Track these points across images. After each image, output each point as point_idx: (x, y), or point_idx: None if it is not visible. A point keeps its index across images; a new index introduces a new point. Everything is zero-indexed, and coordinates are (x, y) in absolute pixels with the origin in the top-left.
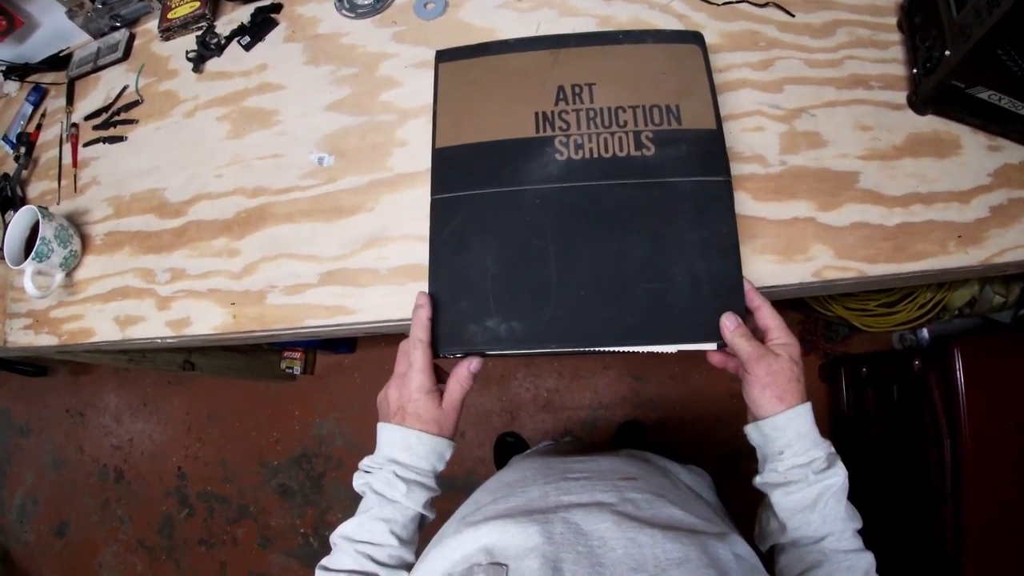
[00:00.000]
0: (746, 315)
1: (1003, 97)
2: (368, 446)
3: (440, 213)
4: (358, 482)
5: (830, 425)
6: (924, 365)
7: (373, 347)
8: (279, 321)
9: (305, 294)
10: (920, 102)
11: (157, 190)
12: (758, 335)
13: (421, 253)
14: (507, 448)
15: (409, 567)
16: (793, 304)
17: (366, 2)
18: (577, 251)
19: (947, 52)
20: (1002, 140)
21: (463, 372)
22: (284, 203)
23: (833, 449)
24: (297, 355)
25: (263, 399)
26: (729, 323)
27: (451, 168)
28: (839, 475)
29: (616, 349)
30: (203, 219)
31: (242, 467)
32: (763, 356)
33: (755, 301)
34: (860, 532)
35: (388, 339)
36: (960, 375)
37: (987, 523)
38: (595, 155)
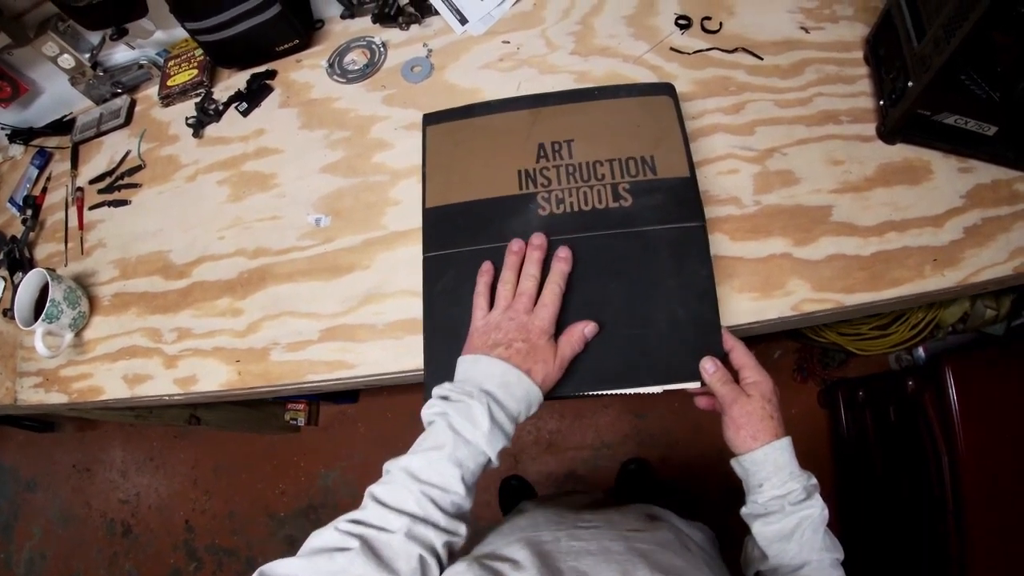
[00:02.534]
0: (724, 356)
1: (969, 121)
2: None
3: (432, 270)
4: (431, 411)
5: (832, 449)
6: (918, 385)
7: (375, 397)
8: (283, 377)
9: (307, 350)
10: (889, 132)
11: (162, 252)
12: (734, 373)
13: (416, 307)
14: (512, 492)
15: (466, 518)
16: (788, 333)
17: (356, 68)
18: (563, 302)
19: (910, 83)
20: (972, 161)
21: (577, 333)
22: (284, 263)
23: (814, 482)
24: (301, 407)
25: (268, 451)
26: (709, 367)
27: (441, 226)
28: (816, 507)
29: (604, 392)
30: (207, 280)
31: (249, 519)
32: (736, 399)
33: (728, 343)
34: (843, 563)
35: (390, 390)
36: (952, 392)
37: (990, 535)
38: (575, 208)
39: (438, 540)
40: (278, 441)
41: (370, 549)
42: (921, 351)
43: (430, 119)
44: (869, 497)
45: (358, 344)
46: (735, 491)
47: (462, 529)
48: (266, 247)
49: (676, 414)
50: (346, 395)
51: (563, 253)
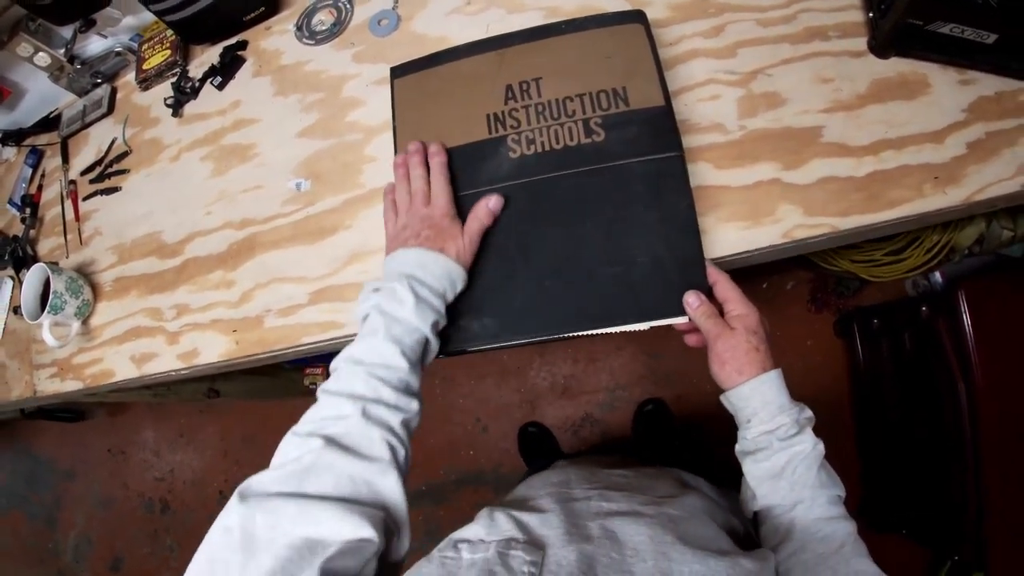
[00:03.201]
0: (708, 289)
1: (966, 29)
2: None
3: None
4: (364, 305)
5: (850, 380)
6: (932, 311)
7: None
8: (278, 342)
9: (298, 314)
10: (880, 46)
11: (154, 233)
12: (719, 307)
13: None
14: (530, 438)
15: (416, 395)
16: (800, 263)
17: (324, 28)
18: (538, 243)
19: None
20: (973, 73)
21: (481, 207)
22: (269, 231)
23: (808, 414)
24: (319, 371)
25: (291, 416)
26: (692, 301)
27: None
28: (807, 442)
29: (589, 333)
30: (199, 255)
31: None
32: (720, 334)
33: (712, 275)
34: (843, 500)
35: None
36: (967, 318)
37: (1007, 466)
38: (547, 148)
39: (394, 419)
40: (300, 405)
41: (333, 443)
42: (938, 275)
43: (397, 72)
44: (887, 429)
45: (348, 303)
46: None
47: (414, 405)
48: (252, 217)
49: (690, 351)
50: None
51: (434, 148)
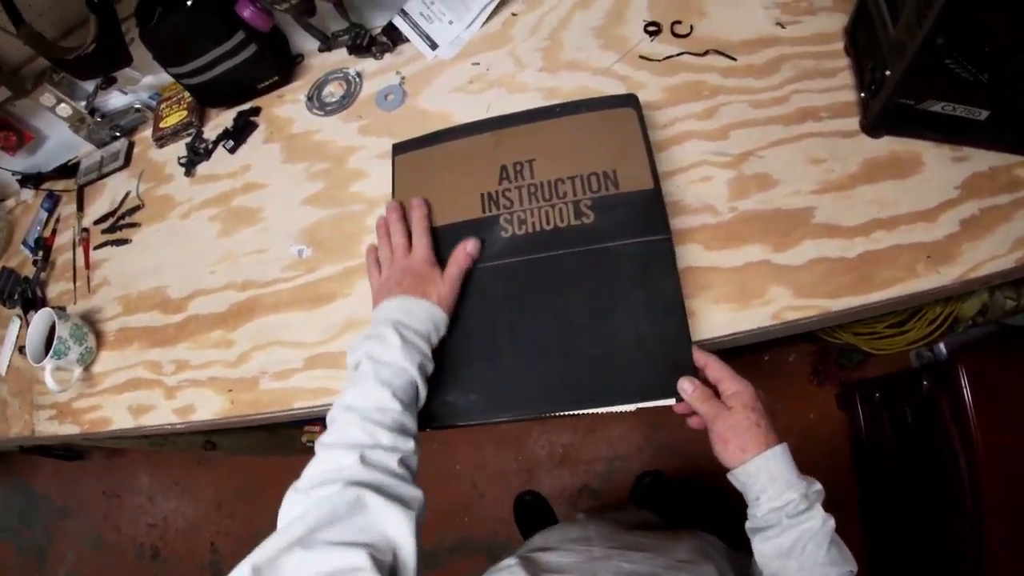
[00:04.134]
0: (694, 371)
1: (957, 107)
2: None
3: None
4: (355, 354)
5: (852, 452)
6: (932, 384)
7: None
8: (271, 404)
9: (293, 378)
10: (872, 125)
11: (160, 288)
12: (713, 388)
13: None
14: (526, 507)
15: (412, 435)
16: (802, 336)
17: (333, 99)
18: (526, 322)
19: (888, 71)
20: (967, 149)
21: (459, 251)
22: (270, 294)
23: (816, 488)
24: (316, 429)
25: (288, 473)
26: (687, 387)
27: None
28: (816, 518)
29: (574, 413)
30: (201, 313)
31: None
32: (718, 415)
33: (700, 359)
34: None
35: None
36: (967, 392)
37: (1007, 539)
38: (538, 228)
39: (391, 460)
40: (297, 463)
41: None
42: (942, 346)
43: (398, 148)
44: (889, 500)
45: (341, 371)
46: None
47: (410, 444)
48: (254, 279)
49: (686, 425)
50: None
51: (414, 202)
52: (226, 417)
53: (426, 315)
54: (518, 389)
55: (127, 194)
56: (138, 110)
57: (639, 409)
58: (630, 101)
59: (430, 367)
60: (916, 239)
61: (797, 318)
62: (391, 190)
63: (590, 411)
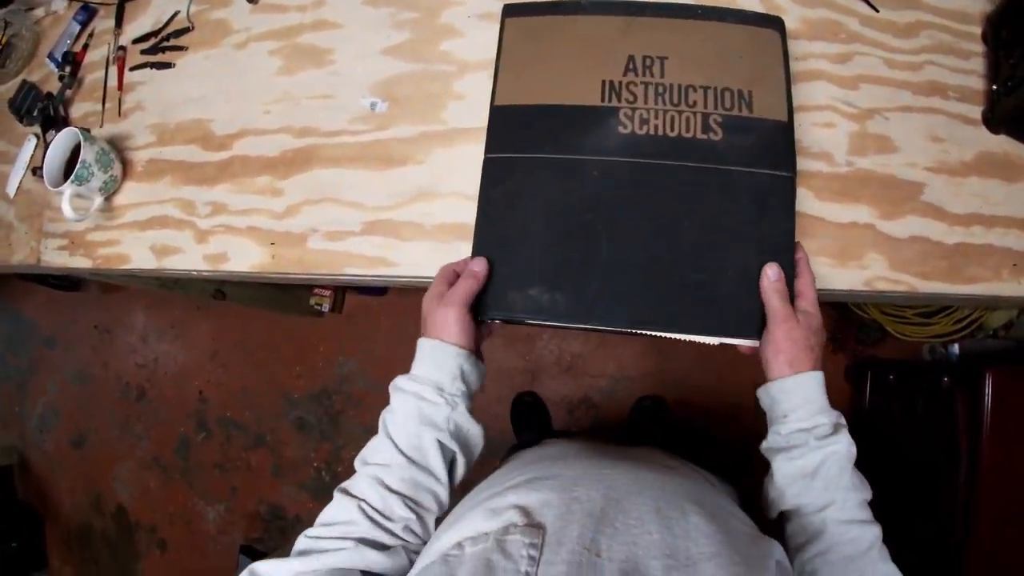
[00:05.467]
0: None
1: None
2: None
3: (492, 173)
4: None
5: (848, 426)
6: (953, 383)
7: (403, 293)
8: (319, 266)
9: (347, 241)
10: (996, 121)
11: (203, 121)
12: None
13: (468, 212)
14: (524, 407)
15: (423, 486)
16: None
17: None
18: (629, 230)
19: None
20: None
21: (463, 268)
22: (332, 146)
23: (843, 420)
24: (327, 293)
25: (290, 333)
26: (772, 274)
27: (509, 128)
28: (843, 442)
29: (656, 334)
30: (248, 155)
31: (263, 397)
32: (786, 319)
33: (800, 267)
34: (870, 504)
35: (421, 290)
36: (988, 400)
37: (995, 551)
38: (660, 132)
39: (403, 511)
40: (300, 324)
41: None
42: (956, 348)
43: (511, 10)
44: (880, 484)
45: (402, 242)
46: (755, 445)
47: (429, 500)
48: (314, 127)
49: (702, 360)
50: (374, 288)
51: (478, 266)
52: (264, 271)
53: (446, 359)
54: (608, 300)
55: (175, 14)
56: None
57: (721, 344)
58: (777, 24)
59: (464, 405)
60: (1008, 244)
61: (886, 289)
62: (496, 55)
63: (674, 336)
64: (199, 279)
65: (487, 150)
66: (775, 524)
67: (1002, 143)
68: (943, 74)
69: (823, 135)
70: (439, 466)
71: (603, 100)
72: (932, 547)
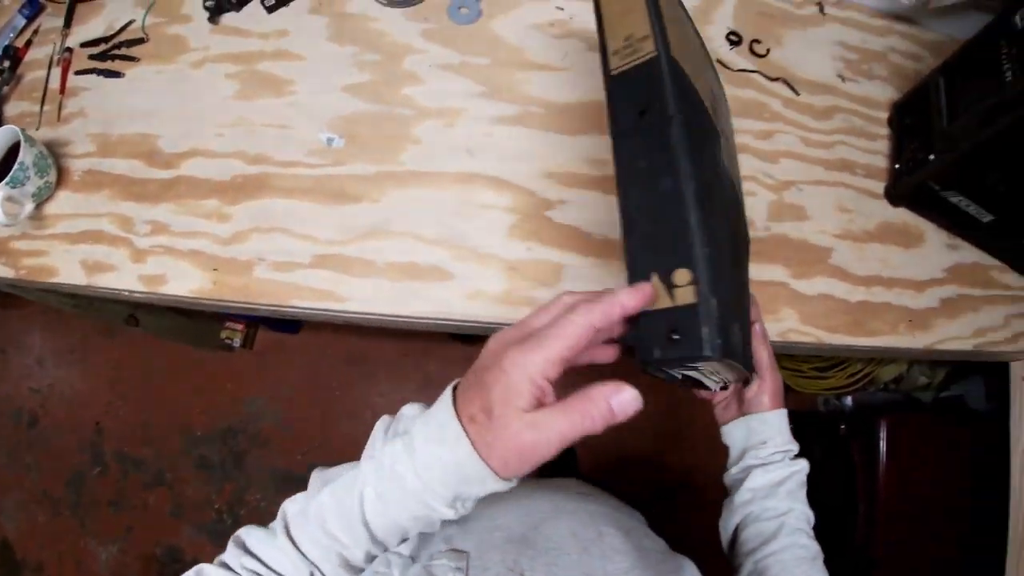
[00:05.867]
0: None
1: (971, 204)
2: (299, 430)
3: (689, 141)
4: (376, 449)
5: None
6: (849, 431)
7: (317, 332)
8: (263, 296)
9: (295, 273)
10: (896, 196)
11: (150, 136)
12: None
13: (419, 253)
14: None
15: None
16: None
17: None
18: (737, 264)
19: (931, 156)
20: (960, 241)
21: (600, 406)
22: (286, 176)
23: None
24: (239, 327)
25: (196, 367)
26: (761, 334)
27: (688, 97)
28: (805, 465)
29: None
30: (196, 176)
31: (164, 432)
32: (773, 364)
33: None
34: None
35: (334, 327)
36: (883, 445)
37: None
38: (732, 179)
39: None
40: (208, 359)
41: None
42: (849, 400)
43: None
44: None
45: (352, 278)
46: (667, 491)
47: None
48: (268, 155)
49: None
50: (288, 325)
51: (632, 300)
52: (204, 297)
53: (480, 483)
54: (736, 332)
55: (130, 22)
56: None
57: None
58: None
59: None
60: (904, 303)
61: (798, 340)
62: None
63: (713, 383)
64: (125, 300)
65: (678, 107)
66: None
67: (901, 215)
68: (853, 153)
69: (747, 203)
70: (406, 547)
71: (712, 118)
72: None
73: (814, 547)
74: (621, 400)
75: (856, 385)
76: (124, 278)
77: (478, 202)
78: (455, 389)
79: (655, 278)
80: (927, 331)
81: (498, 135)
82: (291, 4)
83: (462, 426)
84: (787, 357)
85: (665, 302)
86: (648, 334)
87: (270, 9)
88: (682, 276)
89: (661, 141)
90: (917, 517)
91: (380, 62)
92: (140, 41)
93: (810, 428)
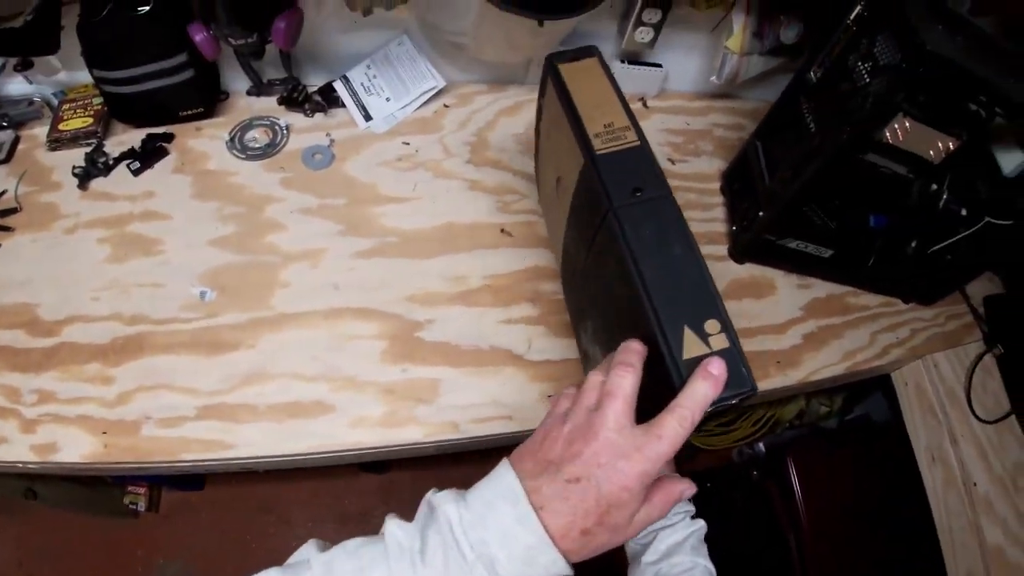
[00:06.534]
0: None
1: (808, 245)
2: None
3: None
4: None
5: None
6: (762, 475)
7: (222, 485)
8: (153, 453)
9: (182, 427)
10: (739, 253)
11: (28, 305)
12: None
13: (300, 390)
14: None
15: None
16: None
17: (257, 145)
18: None
19: (761, 212)
20: (810, 279)
21: (675, 496)
22: (163, 333)
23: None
24: (141, 490)
25: (103, 536)
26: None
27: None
28: (702, 523)
29: None
30: (77, 341)
31: None
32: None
33: None
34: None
35: (238, 478)
36: (795, 480)
37: None
38: None
39: None
40: (114, 526)
41: None
42: (761, 445)
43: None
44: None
45: (237, 425)
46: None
47: None
48: (145, 315)
49: None
50: (191, 482)
51: (719, 370)
52: (97, 462)
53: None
54: None
55: (2, 192)
56: (33, 103)
57: None
58: None
59: None
60: (769, 347)
61: None
62: (619, 97)
63: None
64: (22, 473)
65: (665, 187)
66: None
67: (748, 270)
68: (692, 225)
69: None
70: None
71: None
72: None
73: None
74: (686, 492)
75: (763, 430)
76: (15, 449)
77: (349, 333)
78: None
79: (688, 331)
80: (797, 367)
81: (360, 268)
82: (156, 166)
83: (558, 547)
84: None
85: (701, 349)
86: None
87: (136, 172)
88: (712, 326)
89: (664, 214)
90: (842, 534)
91: (243, 213)
92: (14, 211)
93: (726, 480)
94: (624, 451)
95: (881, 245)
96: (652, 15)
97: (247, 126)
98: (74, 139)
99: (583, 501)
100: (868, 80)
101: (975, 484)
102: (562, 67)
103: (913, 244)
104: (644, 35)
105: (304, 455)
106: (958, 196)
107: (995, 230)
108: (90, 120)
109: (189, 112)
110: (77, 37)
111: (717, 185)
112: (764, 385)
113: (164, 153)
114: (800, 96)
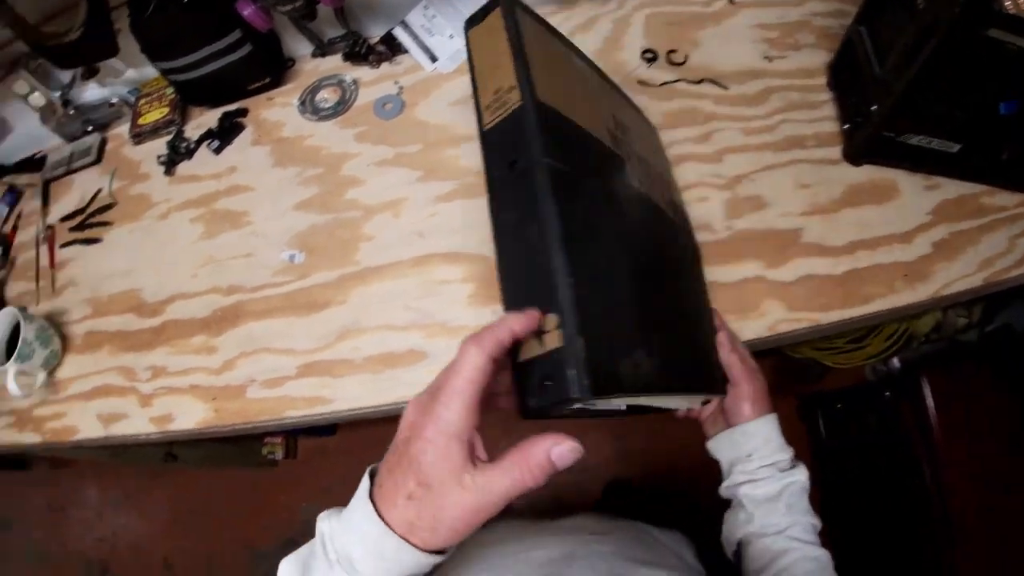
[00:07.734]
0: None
1: (932, 140)
2: None
3: (560, 187)
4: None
5: (812, 463)
6: (895, 396)
7: (354, 430)
8: (261, 414)
9: (284, 386)
10: (854, 155)
11: (134, 290)
12: None
13: (394, 341)
14: None
15: None
16: (764, 352)
17: (327, 105)
18: (664, 285)
19: (873, 107)
20: (938, 178)
21: (539, 458)
22: (259, 300)
23: (795, 454)
24: (278, 441)
25: (247, 487)
26: (727, 342)
27: (562, 138)
28: (801, 474)
29: (652, 404)
30: (180, 318)
31: (230, 556)
32: (753, 373)
33: (724, 325)
34: (819, 532)
35: (368, 423)
36: (930, 402)
37: (979, 541)
38: (651, 200)
39: None
40: (257, 476)
41: None
42: (896, 361)
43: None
44: (856, 506)
45: (336, 379)
46: (716, 508)
47: None
48: (240, 284)
49: (654, 432)
50: (324, 428)
51: (520, 325)
52: (209, 427)
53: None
54: (680, 359)
55: (98, 191)
56: (113, 105)
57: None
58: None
59: None
60: (894, 258)
61: (791, 330)
62: (512, 44)
63: (686, 402)
64: (148, 443)
65: (543, 153)
66: (733, 567)
67: (866, 172)
68: (798, 127)
69: (701, 209)
70: None
71: (612, 146)
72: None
73: (825, 557)
74: (560, 452)
75: (896, 345)
76: (137, 423)
77: (437, 279)
78: (372, 475)
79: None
80: (927, 280)
81: (442, 212)
82: (234, 141)
83: (395, 533)
84: (819, 338)
85: (536, 350)
86: (524, 384)
87: (217, 151)
88: (550, 321)
89: (527, 189)
90: (981, 463)
91: (322, 174)
92: (110, 206)
93: (859, 402)
94: (426, 405)
95: (1015, 134)
96: None
97: (315, 88)
98: (154, 130)
99: (398, 465)
100: None
101: None
102: (470, 33)
103: None
104: None
105: (402, 403)
106: None
107: None
108: (166, 110)
109: (257, 85)
110: (133, 36)
111: (823, 80)
112: (891, 302)
113: (240, 128)
114: None
